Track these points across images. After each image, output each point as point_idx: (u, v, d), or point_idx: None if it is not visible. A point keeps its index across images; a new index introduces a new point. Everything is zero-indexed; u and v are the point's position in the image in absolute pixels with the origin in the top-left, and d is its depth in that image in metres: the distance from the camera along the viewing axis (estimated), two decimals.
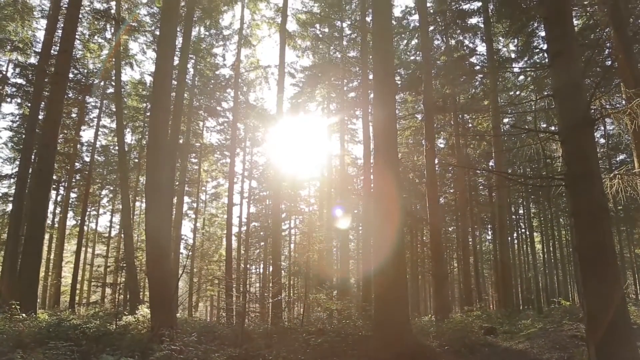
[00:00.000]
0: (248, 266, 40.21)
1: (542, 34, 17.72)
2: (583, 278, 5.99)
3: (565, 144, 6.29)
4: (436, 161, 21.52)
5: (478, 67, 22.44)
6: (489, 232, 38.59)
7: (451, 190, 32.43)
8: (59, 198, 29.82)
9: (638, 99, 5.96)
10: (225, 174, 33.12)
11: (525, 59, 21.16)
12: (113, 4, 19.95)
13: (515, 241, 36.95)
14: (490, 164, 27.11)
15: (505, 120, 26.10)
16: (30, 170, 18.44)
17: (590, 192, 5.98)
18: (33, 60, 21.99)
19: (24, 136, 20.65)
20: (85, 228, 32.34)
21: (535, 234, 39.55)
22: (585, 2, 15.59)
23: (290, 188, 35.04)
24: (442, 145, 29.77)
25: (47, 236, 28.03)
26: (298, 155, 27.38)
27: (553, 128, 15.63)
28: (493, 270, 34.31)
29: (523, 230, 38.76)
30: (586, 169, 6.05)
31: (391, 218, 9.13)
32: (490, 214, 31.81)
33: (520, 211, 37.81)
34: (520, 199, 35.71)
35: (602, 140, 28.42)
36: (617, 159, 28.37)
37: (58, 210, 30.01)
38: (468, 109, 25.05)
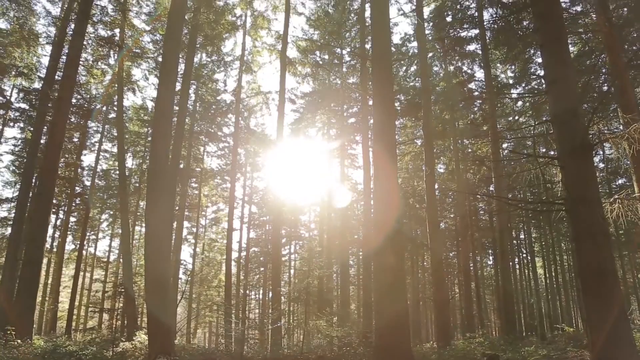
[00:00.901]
0: (247, 292, 39.86)
1: (539, 60, 17.99)
2: (586, 304, 5.93)
3: (564, 169, 6.32)
4: (436, 186, 21.56)
5: (477, 93, 22.68)
6: (490, 258, 38.31)
7: (451, 215, 32.35)
8: (58, 222, 29.76)
9: (635, 124, 6.01)
10: (225, 198, 33.11)
11: (523, 84, 21.41)
12: (117, 31, 20.29)
13: (517, 266, 36.62)
14: (491, 188, 27.11)
15: (505, 145, 26.24)
16: (30, 194, 18.44)
17: (590, 216, 5.98)
18: (37, 85, 22.26)
19: (25, 160, 20.73)
20: (84, 252, 32.18)
21: (537, 258, 39.23)
22: (581, 30, 15.86)
23: (291, 213, 34.99)
24: (442, 170, 29.84)
25: (45, 260, 27.85)
26: (298, 180, 27.44)
27: (552, 153, 15.70)
28: (495, 295, 33.96)
29: (524, 255, 38.49)
30: (586, 193, 6.07)
31: (391, 243, 9.08)
32: (491, 239, 31.66)
33: (522, 236, 37.61)
34: (521, 224, 35.57)
35: (602, 165, 28.48)
36: (617, 183, 28.35)
37: (57, 234, 29.90)
38: (467, 134, 25.20)
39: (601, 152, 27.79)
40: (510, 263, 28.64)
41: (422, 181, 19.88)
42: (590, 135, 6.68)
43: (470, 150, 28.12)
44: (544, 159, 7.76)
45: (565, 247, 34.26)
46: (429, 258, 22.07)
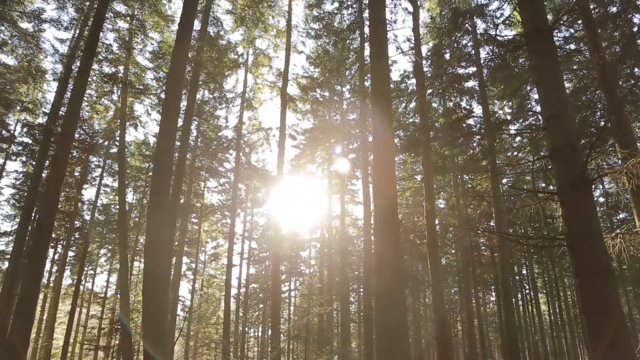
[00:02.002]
0: (246, 329, 39.18)
1: (536, 96, 18.29)
2: (591, 343, 5.81)
3: (564, 204, 6.31)
4: (437, 222, 21.48)
5: (475, 129, 22.92)
6: (493, 294, 37.81)
7: (453, 251, 32.13)
8: (56, 256, 29.54)
9: (633, 159, 6.06)
10: (225, 234, 32.99)
11: (521, 120, 21.69)
12: (121, 68, 20.70)
13: (520, 302, 36.10)
14: (491, 224, 27.02)
15: (505, 180, 26.34)
16: (29, 228, 18.39)
17: (592, 252, 5.93)
18: (41, 120, 22.55)
19: (26, 194, 20.78)
20: (81, 288, 31.78)
21: (540, 294, 38.70)
22: (575, 67, 16.21)
23: (291, 249, 34.78)
24: (442, 206, 29.80)
25: (41, 295, 27.49)
26: (298, 216, 27.42)
27: (552, 187, 15.75)
28: (498, 333, 33.32)
29: (527, 291, 37.99)
30: (587, 228, 6.04)
31: (392, 281, 8.98)
32: (493, 275, 31.34)
33: (524, 271, 37.22)
34: (523, 259, 35.27)
35: (602, 199, 28.50)
36: (618, 217, 28.30)
37: (54, 268, 29.62)
38: (467, 169, 25.31)
39: (601, 187, 27.88)
40: (513, 299, 28.25)
41: (423, 217, 19.82)
42: (589, 170, 6.72)
43: (470, 185, 28.17)
44: (543, 194, 7.78)
45: (569, 282, 33.85)
46: (431, 295, 21.78)
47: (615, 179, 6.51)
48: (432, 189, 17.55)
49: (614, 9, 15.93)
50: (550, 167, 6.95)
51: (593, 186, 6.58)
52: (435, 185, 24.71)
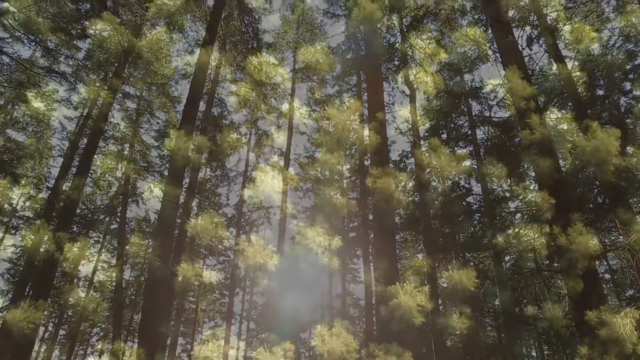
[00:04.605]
0: None
1: (533, 174, 18.56)
2: None
3: (568, 283, 6.21)
4: (440, 302, 20.90)
5: (475, 207, 23.02)
6: None
7: (457, 332, 30.96)
8: (46, 335, 28.46)
9: (634, 235, 6.05)
10: (223, 314, 32.03)
11: (520, 197, 21.82)
12: (126, 145, 21.24)
13: None
14: (496, 303, 26.28)
15: (507, 257, 26.02)
16: (22, 305, 17.87)
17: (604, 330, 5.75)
18: (44, 194, 22.75)
19: (21, 269, 20.46)
20: None
21: None
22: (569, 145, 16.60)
23: (290, 329, 33.60)
24: (444, 285, 29.15)
25: None
26: (299, 296, 26.77)
27: (556, 265, 15.52)
28: None
29: None
30: (595, 306, 5.90)
31: None
32: (501, 357, 29.95)
33: (533, 353, 35.58)
34: (532, 340, 33.86)
35: (607, 276, 27.91)
36: (627, 294, 27.55)
37: (43, 348, 28.42)
38: (469, 247, 25.09)
39: (605, 263, 27.42)
40: None
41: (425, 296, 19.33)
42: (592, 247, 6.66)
43: (472, 263, 27.76)
44: (547, 272, 7.67)
45: None
46: None
47: (619, 256, 6.46)
48: (434, 268, 17.26)
49: (601, 92, 16.68)
50: (552, 244, 6.92)
51: (597, 262, 6.55)
52: (437, 263, 24.35)
